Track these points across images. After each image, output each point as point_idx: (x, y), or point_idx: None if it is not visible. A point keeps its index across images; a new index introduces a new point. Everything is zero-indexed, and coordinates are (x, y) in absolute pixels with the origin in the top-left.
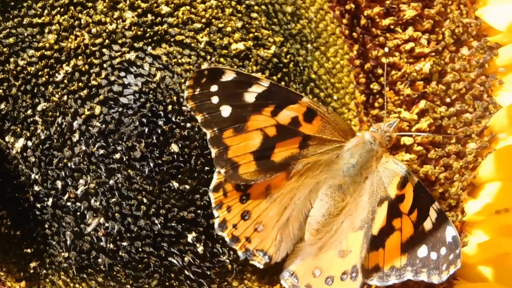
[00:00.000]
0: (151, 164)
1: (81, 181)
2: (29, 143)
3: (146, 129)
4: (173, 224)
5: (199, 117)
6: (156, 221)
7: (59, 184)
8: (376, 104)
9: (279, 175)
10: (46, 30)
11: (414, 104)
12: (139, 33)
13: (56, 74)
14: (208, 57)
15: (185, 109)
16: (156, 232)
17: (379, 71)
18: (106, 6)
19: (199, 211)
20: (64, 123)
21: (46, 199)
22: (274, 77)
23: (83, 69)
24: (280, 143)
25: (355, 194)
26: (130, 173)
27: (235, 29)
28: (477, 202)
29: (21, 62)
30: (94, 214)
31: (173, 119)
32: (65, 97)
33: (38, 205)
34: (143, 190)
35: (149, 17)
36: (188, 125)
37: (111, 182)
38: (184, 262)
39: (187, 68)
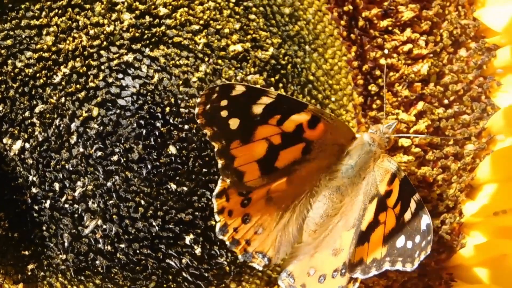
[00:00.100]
0: (149, 166)
1: (79, 183)
2: (27, 145)
3: (144, 131)
4: (170, 226)
5: (208, 131)
6: (154, 223)
7: (56, 186)
8: (374, 106)
9: (281, 179)
10: (44, 32)
11: (412, 106)
12: (137, 35)
13: (54, 76)
14: (206, 59)
15: (183, 111)
16: (153, 234)
17: (377, 72)
18: (104, 8)
19: (196, 213)
20: (62, 125)
21: (43, 201)
22: (272, 79)
23: (81, 71)
24: (284, 150)
25: (352, 194)
26: (128, 175)
27: (233, 30)
28: (475, 204)
29: (19, 64)
30: (92, 216)
31: (171, 121)
32: (62, 99)
33: (36, 207)
34: (140, 192)
35: (147, 18)
36: (186, 127)
37: (109, 184)
38: (182, 264)
39: (185, 70)
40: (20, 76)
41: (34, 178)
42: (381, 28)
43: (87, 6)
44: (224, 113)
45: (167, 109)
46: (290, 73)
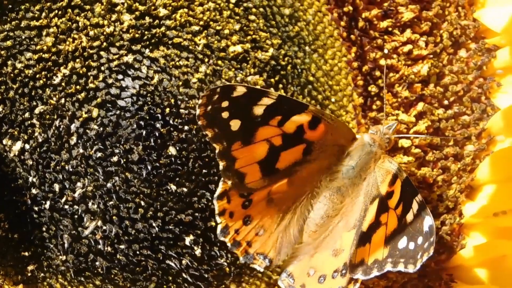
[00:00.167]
0: (149, 167)
1: (79, 184)
2: (27, 146)
3: (144, 132)
4: (170, 227)
5: (209, 133)
6: (154, 224)
7: (56, 187)
8: (374, 107)
9: (282, 180)
10: (44, 33)
11: (412, 107)
12: (137, 35)
13: (54, 77)
14: (206, 60)
15: (183, 112)
16: (153, 235)
17: (377, 73)
18: (104, 9)
19: (196, 214)
20: (62, 126)
21: (43, 202)
22: (272, 80)
23: (81, 71)
24: (285, 151)
25: (353, 195)
26: (128, 176)
27: (233, 31)
28: (475, 204)
29: (18, 65)
30: (92, 217)
31: (171, 121)
32: (62, 100)
33: (36, 208)
34: (140, 193)
35: (147, 19)
36: (186, 128)
37: (109, 185)
38: (182, 265)
39: (185, 70)
40: (20, 77)
41: (34, 179)
42: (381, 29)
43: (87, 7)
44: (225, 115)
45: (167, 110)
46: (290, 74)
